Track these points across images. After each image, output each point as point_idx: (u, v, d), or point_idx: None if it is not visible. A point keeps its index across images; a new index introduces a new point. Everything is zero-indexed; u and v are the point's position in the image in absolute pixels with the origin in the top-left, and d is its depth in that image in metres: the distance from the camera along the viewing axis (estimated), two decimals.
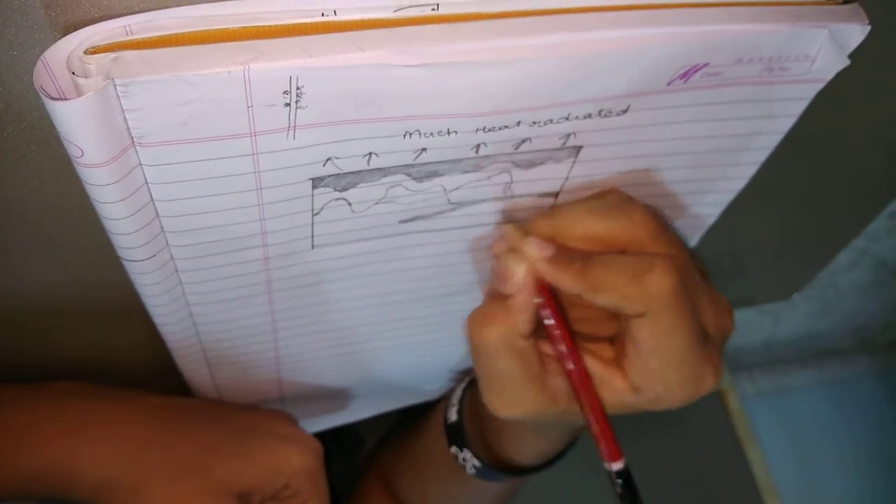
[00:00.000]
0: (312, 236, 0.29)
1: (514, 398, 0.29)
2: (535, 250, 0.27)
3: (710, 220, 0.34)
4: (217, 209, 0.26)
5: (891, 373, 1.37)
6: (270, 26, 0.21)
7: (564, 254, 0.27)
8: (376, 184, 0.27)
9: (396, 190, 0.28)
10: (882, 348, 1.38)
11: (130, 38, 0.21)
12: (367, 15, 0.22)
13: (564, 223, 0.28)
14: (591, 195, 0.30)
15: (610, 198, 0.29)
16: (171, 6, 0.21)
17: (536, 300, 0.28)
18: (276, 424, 0.38)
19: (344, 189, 0.27)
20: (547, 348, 0.29)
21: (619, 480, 0.30)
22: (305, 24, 0.21)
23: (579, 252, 0.28)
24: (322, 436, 0.39)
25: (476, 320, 0.28)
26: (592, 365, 0.29)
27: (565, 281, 0.27)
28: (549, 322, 0.28)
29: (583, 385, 0.28)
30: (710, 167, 0.30)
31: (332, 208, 0.28)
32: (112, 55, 0.20)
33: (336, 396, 0.46)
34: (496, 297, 0.28)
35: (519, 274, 0.27)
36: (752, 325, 1.23)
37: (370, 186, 0.27)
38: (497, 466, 0.39)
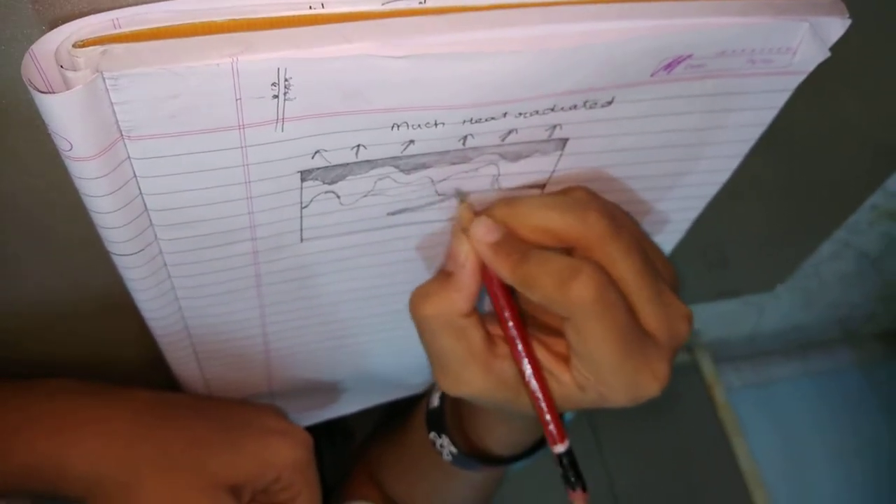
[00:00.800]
0: (301, 229, 0.29)
1: (458, 376, 0.29)
2: (481, 232, 0.28)
3: (695, 213, 0.35)
4: (206, 203, 0.26)
5: (874, 364, 1.38)
6: (258, 19, 0.21)
7: (507, 242, 0.27)
8: (364, 176, 0.27)
9: (385, 182, 0.28)
10: (865, 339, 1.40)
11: (119, 31, 0.21)
12: (354, 7, 0.22)
13: (520, 212, 0.28)
14: (558, 190, 0.30)
15: (573, 195, 0.29)
16: (159, 0, 0.21)
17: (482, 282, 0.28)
18: (266, 418, 0.38)
19: (332, 182, 0.27)
20: (497, 331, 0.30)
21: (565, 461, 0.30)
22: (293, 16, 0.22)
23: (523, 244, 0.28)
24: (312, 429, 0.40)
25: (416, 295, 0.29)
26: (543, 356, 0.29)
27: (501, 270, 0.27)
28: (501, 309, 0.29)
29: (534, 371, 0.29)
30: (694, 159, 0.31)
31: (320, 201, 0.28)
32: (101, 48, 0.20)
33: (326, 390, 0.46)
34: (439, 276, 0.29)
35: (462, 252, 0.28)
36: (737, 318, 1.24)
37: (358, 179, 0.27)
38: (473, 455, 0.39)
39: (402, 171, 0.27)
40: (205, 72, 0.20)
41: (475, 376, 0.29)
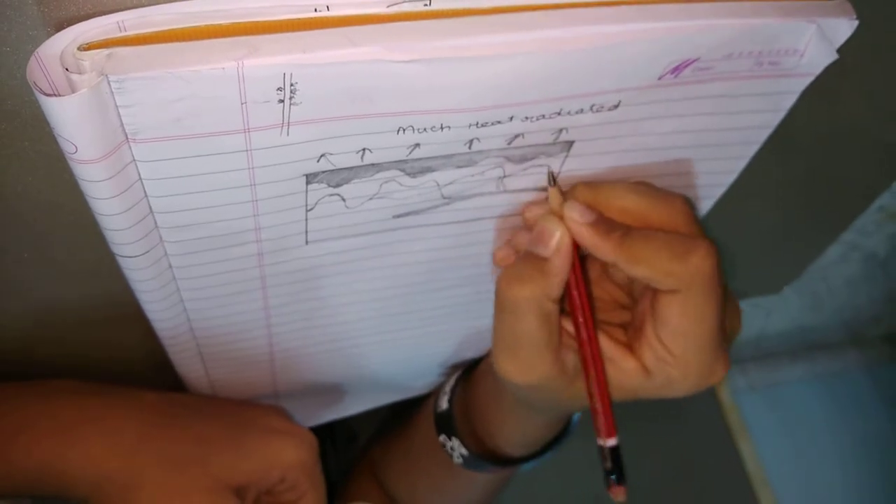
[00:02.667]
0: (306, 232, 0.29)
1: (528, 361, 0.29)
2: (577, 214, 0.28)
3: (701, 214, 0.35)
4: (211, 205, 0.26)
5: (881, 366, 1.37)
6: (264, 22, 0.21)
7: (605, 221, 0.28)
8: (370, 179, 0.27)
9: (390, 185, 0.28)
10: (872, 342, 1.39)
11: (124, 34, 0.21)
12: (359, 10, 0.22)
13: (605, 194, 0.28)
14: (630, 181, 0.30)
15: (649, 184, 0.30)
16: (164, 2, 0.21)
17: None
18: (271, 418, 0.38)
19: (338, 185, 0.27)
20: (565, 323, 0.30)
21: (611, 455, 0.30)
22: (299, 19, 0.22)
23: (619, 223, 0.28)
24: (315, 430, 0.39)
25: (510, 278, 0.28)
26: (605, 344, 0.29)
27: (604, 248, 0.27)
28: (573, 293, 0.29)
29: (594, 357, 0.29)
30: (700, 161, 0.31)
31: (325, 204, 0.28)
32: (106, 51, 0.20)
33: (330, 391, 0.46)
34: (530, 258, 0.29)
35: (558, 236, 0.28)
36: (745, 320, 1.23)
37: (364, 182, 0.27)
38: (484, 456, 0.39)
39: (407, 174, 0.27)
40: (210, 76, 0.20)
41: (545, 363, 0.29)
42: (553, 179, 0.29)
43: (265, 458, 0.36)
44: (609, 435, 0.30)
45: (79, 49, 0.20)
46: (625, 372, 0.29)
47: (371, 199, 0.28)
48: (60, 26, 0.20)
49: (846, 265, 1.15)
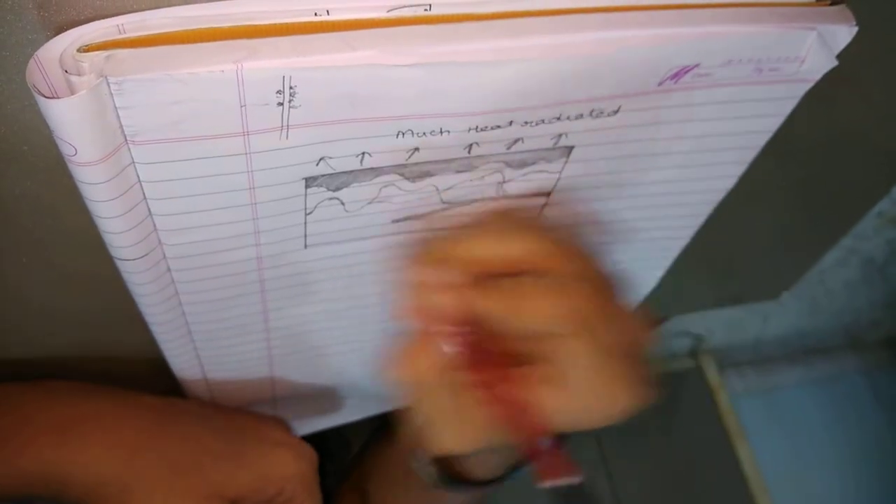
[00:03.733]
0: (305, 235, 0.29)
1: (453, 433, 0.28)
2: (448, 279, 0.27)
3: (700, 219, 0.35)
4: (210, 208, 0.26)
5: (879, 370, 1.38)
6: (263, 25, 0.21)
7: (484, 280, 0.27)
8: (369, 183, 0.27)
9: (389, 189, 0.28)
10: (870, 346, 1.39)
11: (123, 36, 0.21)
12: (359, 15, 0.22)
13: (467, 249, 0.27)
14: (486, 219, 0.30)
15: (506, 220, 0.29)
16: (164, 7, 0.21)
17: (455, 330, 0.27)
18: (271, 430, 0.38)
19: (337, 188, 0.27)
20: (474, 378, 0.28)
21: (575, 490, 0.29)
22: (298, 23, 0.22)
23: (490, 278, 0.27)
24: (308, 439, 0.39)
25: (399, 360, 0.28)
26: (515, 389, 0.28)
27: (484, 305, 0.27)
28: (467, 351, 0.28)
29: (515, 410, 0.28)
30: (699, 166, 0.31)
31: (325, 208, 0.28)
32: (105, 53, 0.20)
33: (328, 397, 0.46)
34: (418, 336, 0.28)
35: (437, 307, 0.27)
36: (742, 324, 1.24)
37: (363, 186, 0.27)
38: (455, 477, 0.38)
39: (407, 178, 0.27)
40: (209, 79, 0.20)
41: (462, 429, 0.28)
42: (414, 254, 0.28)
43: (263, 469, 0.35)
44: (572, 473, 0.29)
45: (78, 51, 0.20)
46: (541, 411, 0.28)
47: (370, 203, 0.28)
48: (60, 30, 0.20)
49: (844, 270, 1.16)
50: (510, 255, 0.27)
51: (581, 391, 0.27)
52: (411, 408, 0.29)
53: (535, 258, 0.27)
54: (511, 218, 0.29)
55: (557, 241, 0.27)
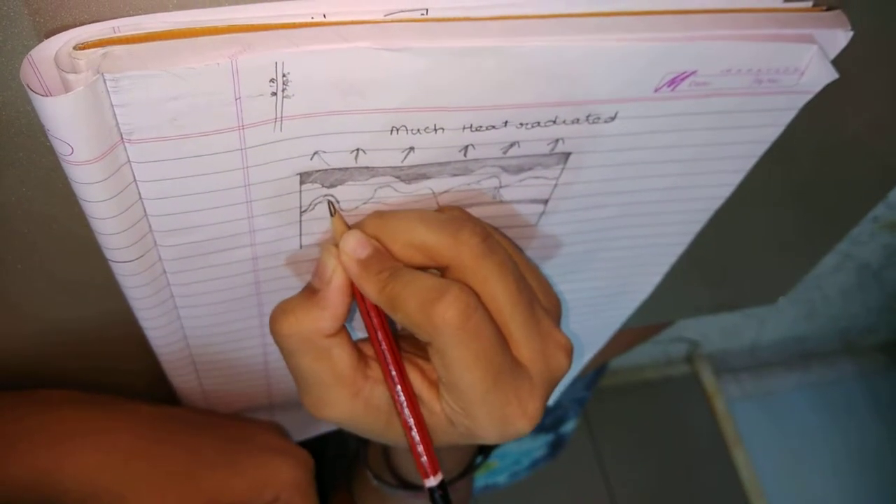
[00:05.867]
0: (300, 235, 0.29)
1: (320, 399, 0.27)
2: (350, 247, 0.26)
3: (698, 226, 0.35)
4: (205, 207, 0.26)
5: (874, 375, 1.38)
6: (258, 24, 0.21)
7: (377, 259, 0.26)
8: (364, 183, 0.27)
9: (385, 191, 0.28)
10: (866, 351, 1.40)
11: (119, 34, 0.21)
12: (355, 17, 0.22)
13: (392, 226, 0.26)
14: (436, 209, 0.29)
15: (448, 212, 0.28)
16: (159, 12, 0.21)
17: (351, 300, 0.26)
18: (267, 436, 0.38)
19: (332, 185, 0.27)
20: (371, 352, 0.28)
21: (437, 496, 0.29)
22: (294, 24, 0.22)
23: (393, 262, 0.26)
24: (306, 445, 0.39)
25: (276, 312, 0.27)
26: (418, 383, 0.27)
27: (368, 288, 0.26)
28: (374, 332, 0.27)
29: (406, 396, 0.27)
30: (697, 174, 0.31)
31: (320, 206, 0.28)
32: (101, 50, 0.20)
33: None
34: (304, 292, 0.27)
35: (329, 268, 0.26)
36: (738, 329, 1.24)
37: (358, 185, 0.27)
38: (399, 484, 0.38)
39: (402, 180, 0.27)
40: (205, 72, 0.20)
41: (339, 400, 0.27)
42: (333, 209, 0.27)
43: (259, 476, 0.35)
44: (429, 474, 0.28)
45: (74, 48, 0.20)
46: (435, 415, 0.27)
47: (365, 203, 0.28)
48: (53, 35, 0.20)
49: (840, 275, 1.16)
50: (432, 246, 0.26)
51: (457, 405, 0.26)
52: (290, 366, 0.27)
53: (455, 254, 0.25)
54: (453, 213, 0.28)
55: (479, 246, 0.25)
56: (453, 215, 0.27)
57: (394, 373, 0.27)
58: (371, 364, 0.28)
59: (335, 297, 0.26)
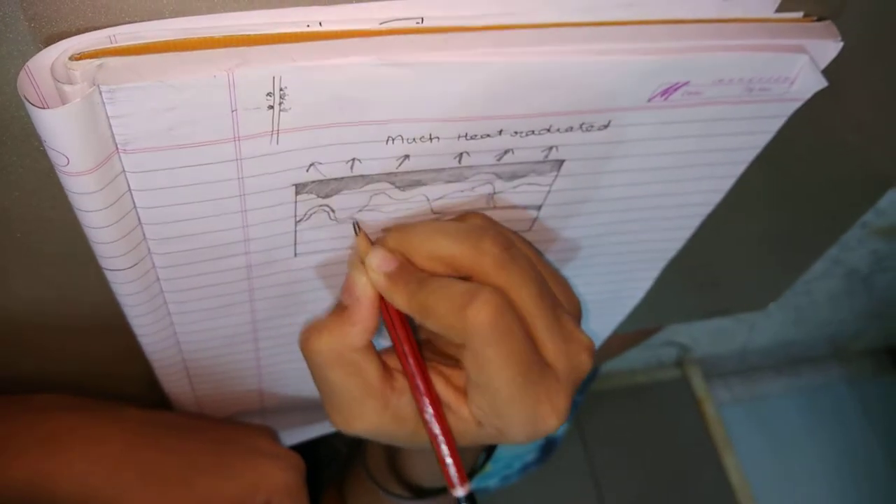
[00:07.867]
0: (295, 244, 0.29)
1: (351, 413, 0.28)
2: (376, 263, 0.27)
3: (688, 233, 0.35)
4: (200, 216, 0.26)
5: (863, 380, 1.39)
6: (254, 35, 0.21)
7: (404, 272, 0.27)
8: (359, 191, 0.27)
9: (380, 198, 0.28)
10: (854, 356, 1.41)
11: (115, 45, 0.21)
12: (351, 26, 0.22)
13: (414, 240, 0.27)
14: (454, 217, 0.29)
15: (469, 221, 0.28)
16: (155, 19, 0.21)
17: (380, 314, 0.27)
18: (258, 440, 0.38)
19: (327, 196, 0.27)
20: (396, 364, 0.28)
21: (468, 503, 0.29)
22: (290, 33, 0.22)
23: (419, 272, 0.27)
24: (298, 448, 0.39)
25: (307, 330, 0.28)
26: (442, 390, 0.28)
27: (398, 299, 0.26)
28: (399, 343, 0.28)
29: (433, 405, 0.28)
30: (688, 181, 0.31)
31: (315, 216, 0.28)
32: (97, 61, 0.20)
33: (316, 408, 0.45)
34: (337, 308, 0.28)
35: (359, 285, 0.27)
36: (728, 334, 1.25)
37: (353, 194, 0.27)
38: (405, 494, 0.38)
39: (397, 187, 0.27)
40: (201, 84, 0.20)
41: (370, 413, 0.28)
42: (357, 227, 0.28)
43: (250, 480, 0.35)
44: (457, 484, 0.29)
45: (70, 59, 0.20)
46: (462, 420, 0.28)
47: (360, 211, 0.28)
48: (51, 41, 0.20)
49: (829, 280, 1.17)
50: (454, 256, 0.26)
51: (488, 407, 0.27)
52: (320, 382, 0.28)
53: (477, 262, 0.26)
54: (474, 222, 0.28)
55: (501, 254, 0.26)
56: (475, 224, 0.28)
57: (419, 382, 0.28)
58: (396, 375, 0.28)
59: (366, 311, 0.27)
